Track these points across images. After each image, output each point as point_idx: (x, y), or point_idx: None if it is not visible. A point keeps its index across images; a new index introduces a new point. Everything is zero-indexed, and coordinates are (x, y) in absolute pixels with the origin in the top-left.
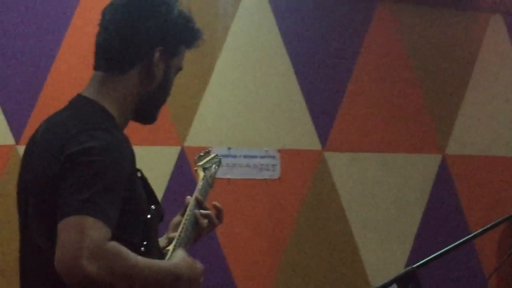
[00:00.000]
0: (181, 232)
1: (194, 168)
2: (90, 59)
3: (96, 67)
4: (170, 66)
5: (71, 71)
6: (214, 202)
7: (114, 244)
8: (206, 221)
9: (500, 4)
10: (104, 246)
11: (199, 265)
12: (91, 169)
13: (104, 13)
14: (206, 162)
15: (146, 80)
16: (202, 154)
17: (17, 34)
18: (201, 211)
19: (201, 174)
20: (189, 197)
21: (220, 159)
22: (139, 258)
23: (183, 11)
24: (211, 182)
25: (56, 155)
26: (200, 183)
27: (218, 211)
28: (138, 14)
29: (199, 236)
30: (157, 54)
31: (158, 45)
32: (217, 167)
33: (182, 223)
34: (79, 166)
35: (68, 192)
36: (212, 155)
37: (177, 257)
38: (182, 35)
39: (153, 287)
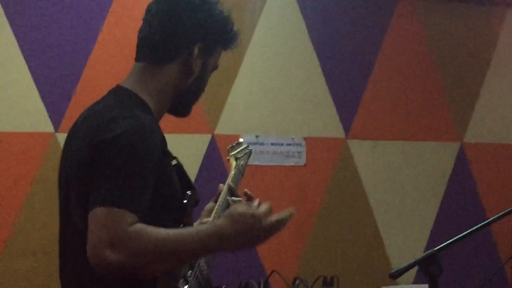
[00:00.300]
0: (214, 217)
1: (227, 158)
2: (125, 52)
3: (137, 59)
4: (208, 63)
5: (107, 63)
6: (245, 190)
7: (136, 227)
8: None
9: None
10: (124, 233)
11: (250, 212)
12: (120, 156)
13: (148, 8)
14: (238, 152)
15: (184, 74)
16: (234, 144)
17: (57, 27)
18: (233, 198)
19: (233, 163)
20: (221, 184)
21: (251, 149)
22: (167, 230)
23: (223, 12)
24: (242, 170)
25: (89, 142)
26: (232, 172)
27: (249, 199)
28: (182, 10)
29: None
30: (196, 50)
31: (198, 41)
32: (248, 157)
33: (215, 209)
34: (109, 154)
35: (97, 181)
36: (244, 146)
37: (210, 225)
38: (221, 34)
39: (190, 253)
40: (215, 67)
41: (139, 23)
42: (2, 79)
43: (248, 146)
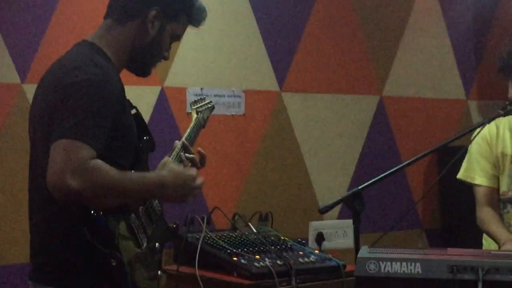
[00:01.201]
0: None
1: (189, 111)
2: (90, 8)
3: (105, 16)
4: (166, 28)
5: (72, 18)
6: (199, 148)
7: (96, 162)
8: (189, 164)
9: None
10: (86, 164)
11: (188, 173)
12: (82, 98)
13: None
14: (200, 106)
15: (141, 33)
16: (197, 99)
17: None
18: (187, 154)
19: (194, 115)
20: (177, 141)
21: (213, 104)
22: (122, 172)
23: None
24: (203, 122)
25: (56, 86)
26: (191, 124)
27: (202, 157)
28: None
29: None
30: (153, 13)
31: (156, 5)
32: (210, 111)
33: (169, 158)
34: (72, 96)
35: (61, 118)
36: (206, 101)
37: (164, 169)
38: (182, 4)
39: (137, 194)
40: (176, 36)
41: None
42: None
43: (210, 101)
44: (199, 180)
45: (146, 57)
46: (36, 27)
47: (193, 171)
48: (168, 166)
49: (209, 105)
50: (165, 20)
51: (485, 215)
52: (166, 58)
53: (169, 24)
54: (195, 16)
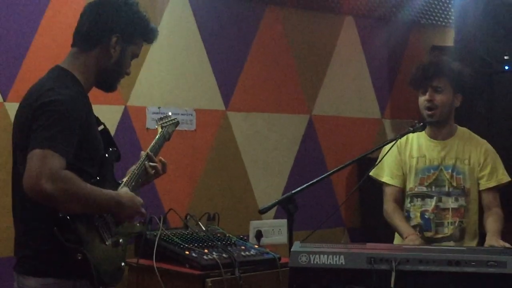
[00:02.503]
0: (131, 176)
1: (155, 126)
2: (65, 36)
3: (72, 45)
4: (126, 50)
5: (49, 45)
6: (160, 157)
7: (67, 172)
8: (153, 171)
9: (352, 8)
10: (59, 172)
11: (138, 199)
12: (54, 115)
13: (84, 8)
14: (164, 122)
15: (105, 57)
16: (163, 116)
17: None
18: (150, 163)
19: (159, 130)
20: (142, 152)
21: (177, 120)
22: (89, 185)
23: (140, 12)
24: (167, 136)
25: (32, 105)
26: (156, 137)
27: (163, 165)
28: (105, 10)
29: (148, 182)
30: (114, 39)
31: (116, 33)
32: (175, 126)
33: (133, 170)
34: (46, 113)
35: (36, 131)
36: (171, 118)
37: (121, 191)
38: (137, 28)
39: (100, 206)
40: (135, 55)
41: (77, 13)
42: None
43: (175, 118)
44: (143, 209)
45: (112, 77)
46: (17, 51)
47: (140, 201)
48: (125, 190)
49: (174, 121)
50: (125, 44)
51: (390, 209)
52: (128, 74)
53: (128, 46)
54: (150, 37)
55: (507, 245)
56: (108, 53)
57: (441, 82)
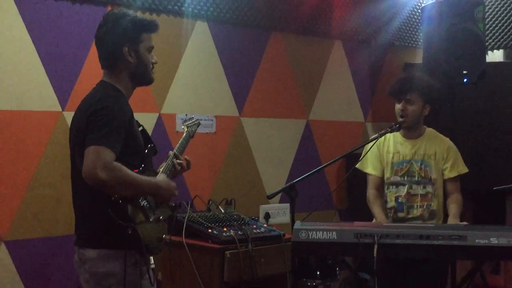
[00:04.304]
0: (165, 169)
1: (182, 126)
2: None
3: (101, 67)
4: (139, 50)
5: (97, 66)
6: (186, 156)
7: (117, 163)
8: (179, 167)
9: (340, 34)
10: (111, 163)
11: (173, 184)
12: (104, 119)
13: (94, 37)
14: (190, 123)
15: (127, 66)
16: (187, 118)
17: (66, 32)
18: (177, 161)
19: (185, 129)
20: (170, 151)
21: (199, 121)
22: (134, 173)
23: (132, 16)
24: (192, 134)
25: (86, 112)
26: (183, 135)
27: (188, 162)
28: (107, 33)
29: (175, 176)
30: (125, 50)
31: (123, 45)
32: (197, 126)
33: (164, 166)
34: (98, 117)
35: (92, 132)
36: (194, 119)
37: (159, 177)
38: (136, 30)
39: (143, 189)
40: (150, 47)
41: None
42: (21, 70)
43: (197, 120)
44: (176, 191)
45: (142, 75)
46: (73, 70)
47: (174, 185)
48: (163, 176)
49: (196, 122)
50: (135, 46)
51: (372, 197)
52: (155, 63)
53: (139, 46)
54: (151, 28)
55: (466, 223)
56: (127, 61)
57: (413, 96)
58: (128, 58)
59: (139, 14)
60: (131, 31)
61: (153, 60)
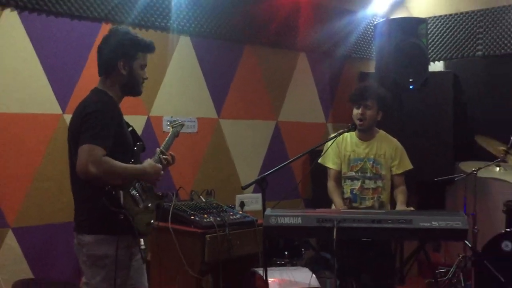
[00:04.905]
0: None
1: (168, 127)
2: None
3: (98, 74)
4: (133, 66)
5: (93, 75)
6: (170, 152)
7: (106, 157)
8: (165, 162)
9: (305, 46)
10: (101, 159)
11: (158, 166)
12: (96, 120)
13: (98, 45)
14: (175, 124)
15: (119, 77)
16: (173, 120)
17: (65, 45)
18: (164, 156)
19: (171, 130)
20: (157, 148)
21: (183, 123)
22: (122, 164)
23: (132, 36)
24: (177, 134)
25: (81, 113)
26: (169, 135)
27: (173, 157)
28: (107, 46)
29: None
30: (120, 63)
31: (119, 58)
32: (181, 127)
33: (151, 160)
34: (90, 119)
35: (84, 131)
36: (179, 121)
37: (145, 162)
38: (133, 48)
39: (132, 175)
40: (143, 65)
41: None
42: (26, 78)
43: (182, 122)
44: (162, 172)
45: (132, 87)
46: (72, 78)
47: (160, 166)
48: (148, 161)
49: (181, 123)
50: (130, 62)
51: (332, 188)
52: (145, 79)
53: (134, 63)
54: (148, 49)
55: (412, 208)
56: (120, 73)
57: (371, 102)
58: (121, 71)
59: (136, 31)
60: (128, 48)
61: (144, 76)
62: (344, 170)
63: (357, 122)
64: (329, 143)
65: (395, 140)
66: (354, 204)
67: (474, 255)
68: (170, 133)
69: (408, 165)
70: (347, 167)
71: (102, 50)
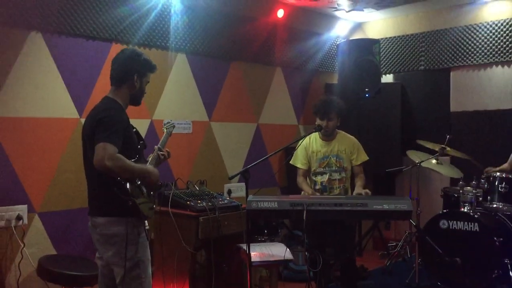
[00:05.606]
0: (151, 159)
1: (163, 128)
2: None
3: (110, 84)
4: (143, 82)
5: (107, 84)
6: (166, 149)
7: (119, 155)
8: (162, 157)
9: (281, 62)
10: (115, 155)
11: (157, 171)
12: (108, 123)
13: (112, 60)
14: (168, 125)
15: (131, 89)
16: (166, 122)
17: (82, 57)
18: (161, 152)
19: (165, 130)
20: (156, 146)
21: (175, 124)
22: (132, 162)
23: (148, 59)
24: (170, 133)
25: (94, 119)
26: (164, 135)
27: (168, 153)
28: (125, 60)
29: (160, 163)
30: (135, 77)
31: (134, 73)
32: (172, 128)
33: (152, 156)
34: (103, 123)
35: (98, 133)
36: (171, 123)
37: (149, 166)
38: (146, 67)
39: (138, 174)
40: (147, 82)
41: None
42: (48, 88)
43: (173, 123)
44: (159, 177)
45: (137, 98)
46: (88, 86)
47: (158, 171)
48: (150, 166)
49: (172, 124)
50: (141, 78)
51: (300, 180)
52: (145, 93)
53: (143, 79)
54: (153, 70)
55: (368, 191)
56: (133, 86)
57: (332, 114)
58: (135, 83)
59: (141, 50)
60: (142, 67)
61: (145, 92)
62: (314, 167)
63: (322, 130)
64: (300, 141)
65: (353, 137)
66: (325, 194)
67: (418, 231)
68: (164, 133)
69: (365, 157)
70: (316, 165)
71: (120, 60)
